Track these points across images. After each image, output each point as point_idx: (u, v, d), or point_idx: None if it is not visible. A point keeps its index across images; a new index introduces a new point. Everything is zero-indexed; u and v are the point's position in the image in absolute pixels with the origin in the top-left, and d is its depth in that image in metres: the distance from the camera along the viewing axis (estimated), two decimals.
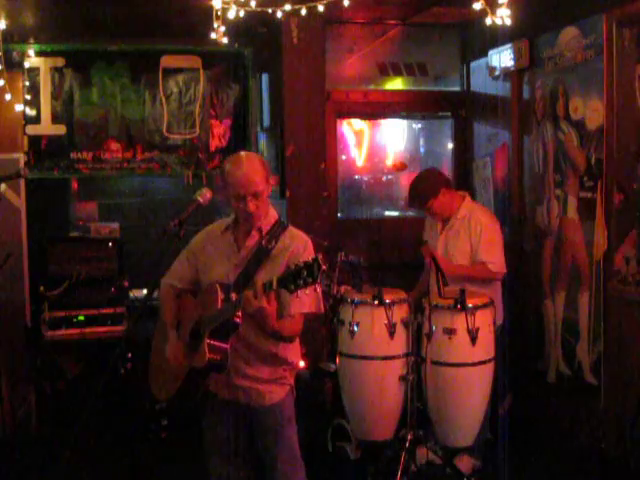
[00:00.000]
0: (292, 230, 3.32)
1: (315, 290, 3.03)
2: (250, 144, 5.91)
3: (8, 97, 5.10)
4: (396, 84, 6.11)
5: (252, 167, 3.17)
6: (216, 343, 3.11)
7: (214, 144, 5.84)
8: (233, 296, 3.09)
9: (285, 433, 3.31)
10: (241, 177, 3.14)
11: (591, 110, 4.50)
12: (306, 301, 3.14)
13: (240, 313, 3.04)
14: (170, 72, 5.75)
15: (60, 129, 5.62)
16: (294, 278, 2.78)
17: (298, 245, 3.23)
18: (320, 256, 2.80)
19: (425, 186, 4.70)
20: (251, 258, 3.22)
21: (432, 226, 4.88)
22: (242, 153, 3.32)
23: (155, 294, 3.46)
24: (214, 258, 3.31)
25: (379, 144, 6.51)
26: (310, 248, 3.27)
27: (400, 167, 6.43)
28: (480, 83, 5.81)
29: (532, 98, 5.10)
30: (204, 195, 3.16)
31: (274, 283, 2.85)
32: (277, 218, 3.32)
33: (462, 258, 4.63)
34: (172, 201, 6.37)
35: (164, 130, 5.76)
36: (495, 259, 4.59)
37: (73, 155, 5.65)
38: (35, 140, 5.58)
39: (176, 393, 3.27)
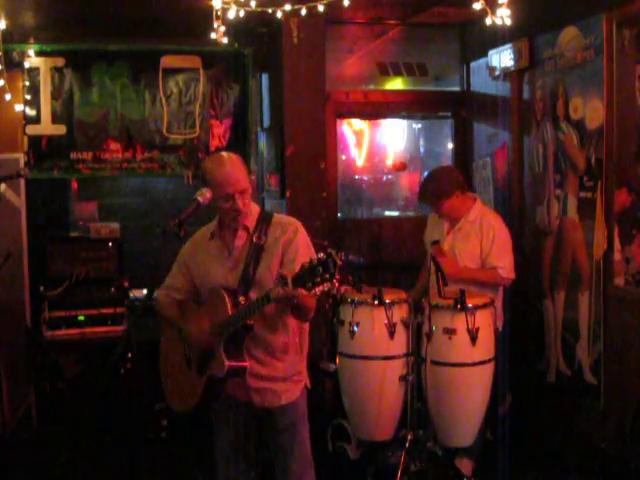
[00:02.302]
0: (278, 218, 3.31)
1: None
2: (250, 144, 5.90)
3: (8, 97, 5.10)
4: (396, 84, 6.10)
5: (235, 165, 3.19)
6: (232, 348, 3.10)
7: (214, 144, 5.83)
8: (241, 300, 3.10)
9: (300, 431, 3.33)
10: (227, 176, 3.14)
11: (591, 110, 4.50)
12: None
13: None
14: (170, 72, 5.74)
15: (60, 129, 5.61)
16: (310, 276, 2.74)
17: (288, 232, 3.23)
18: (334, 251, 2.75)
19: (439, 185, 4.63)
20: (246, 258, 3.21)
21: (437, 225, 4.82)
22: (222, 153, 3.32)
23: (155, 294, 3.45)
24: (207, 265, 3.31)
25: (379, 144, 6.52)
26: (301, 231, 3.26)
27: (400, 167, 6.44)
28: (480, 83, 5.81)
29: (532, 98, 5.09)
30: (204, 195, 3.16)
31: (289, 284, 2.81)
32: (259, 211, 3.32)
33: (470, 261, 4.60)
34: (172, 201, 6.36)
35: (164, 130, 5.76)
36: (506, 264, 4.56)
37: (73, 155, 5.64)
38: (35, 140, 5.57)
39: (197, 405, 3.24)
